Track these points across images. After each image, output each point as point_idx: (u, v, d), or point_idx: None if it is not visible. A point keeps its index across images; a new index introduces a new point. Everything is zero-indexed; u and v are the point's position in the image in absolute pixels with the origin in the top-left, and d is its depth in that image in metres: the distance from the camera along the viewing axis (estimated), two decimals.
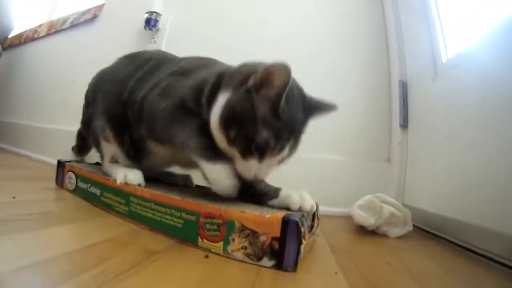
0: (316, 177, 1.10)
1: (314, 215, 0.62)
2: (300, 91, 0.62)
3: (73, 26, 1.78)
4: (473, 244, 0.73)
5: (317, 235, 0.68)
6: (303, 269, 0.49)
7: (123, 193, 0.65)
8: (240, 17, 1.35)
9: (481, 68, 0.81)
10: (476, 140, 0.79)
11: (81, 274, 0.37)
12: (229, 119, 0.57)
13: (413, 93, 1.13)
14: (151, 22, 1.41)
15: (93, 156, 1.06)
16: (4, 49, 2.01)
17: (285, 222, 0.46)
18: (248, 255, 0.48)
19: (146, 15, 1.41)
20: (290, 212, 0.48)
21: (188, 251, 0.52)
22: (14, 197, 0.70)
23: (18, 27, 2.13)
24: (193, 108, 0.64)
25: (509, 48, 0.71)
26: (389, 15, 1.24)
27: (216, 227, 0.51)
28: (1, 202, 0.68)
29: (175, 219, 0.55)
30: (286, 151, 0.59)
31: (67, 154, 1.15)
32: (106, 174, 0.77)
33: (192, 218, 0.53)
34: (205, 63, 0.75)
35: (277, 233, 0.47)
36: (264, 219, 0.48)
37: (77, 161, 0.99)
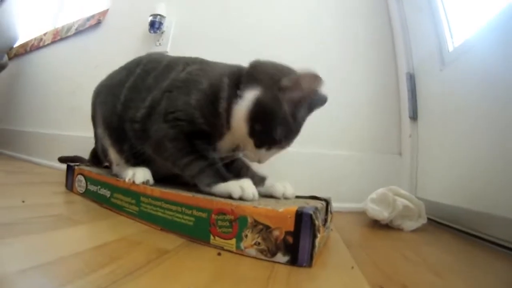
0: (327, 173, 1.09)
1: (327, 209, 0.61)
2: None
3: (78, 33, 1.79)
4: (488, 234, 0.72)
5: (331, 229, 0.67)
6: (318, 264, 0.48)
7: (133, 193, 0.65)
8: (245, 16, 1.34)
9: (490, 54, 0.79)
10: (488, 128, 0.77)
11: (91, 273, 0.36)
12: (258, 114, 0.62)
13: (421, 84, 1.12)
14: (155, 25, 1.41)
15: None
16: (10, 59, 2.03)
17: (299, 215, 0.45)
18: (261, 251, 0.47)
19: (150, 18, 1.41)
20: (303, 206, 0.47)
21: (200, 249, 0.51)
22: (23, 201, 0.70)
23: (23, 36, 2.15)
24: (202, 125, 0.66)
25: None
26: (393, 5, 1.23)
27: (228, 223, 0.50)
28: (11, 206, 0.68)
29: (186, 217, 0.54)
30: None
31: None
32: (116, 176, 0.77)
33: (204, 215, 0.52)
34: (198, 68, 0.74)
35: (290, 227, 0.45)
36: (277, 213, 0.47)
37: (86, 165, 0.99)
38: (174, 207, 0.56)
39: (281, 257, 0.46)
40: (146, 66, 0.81)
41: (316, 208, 0.48)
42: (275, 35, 1.25)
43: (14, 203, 0.69)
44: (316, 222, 0.45)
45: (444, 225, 0.89)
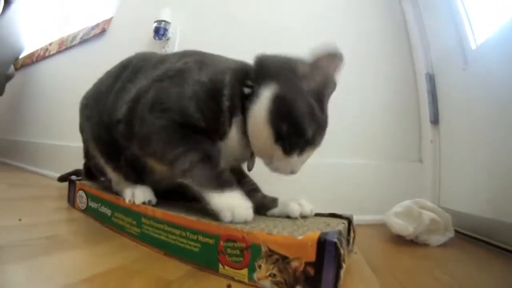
0: (343, 184, 1.02)
1: (349, 229, 0.55)
2: None
3: (83, 41, 1.77)
4: None
5: (355, 253, 0.60)
6: None
7: (134, 213, 0.59)
8: (251, 20, 1.28)
9: None
10: None
11: None
12: (282, 113, 0.53)
13: (442, 85, 1.05)
14: (160, 31, 1.37)
15: None
16: (17, 69, 2.02)
17: (321, 243, 0.39)
18: (277, 284, 0.41)
19: (155, 25, 1.37)
20: (325, 231, 0.41)
21: (207, 280, 0.45)
22: (20, 219, 0.66)
23: (29, 47, 2.15)
24: (197, 121, 0.56)
25: None
26: (406, 3, 1.16)
27: (238, 251, 0.43)
28: (6, 225, 0.64)
29: (192, 243, 0.48)
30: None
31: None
32: (117, 193, 0.71)
33: (211, 241, 0.46)
34: (196, 60, 0.63)
35: (312, 257, 0.39)
36: (295, 241, 0.40)
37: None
38: (177, 231, 0.50)
39: None
40: (135, 65, 0.72)
41: (340, 233, 0.41)
42: (282, 39, 1.18)
43: (10, 222, 0.65)
44: (342, 251, 0.39)
45: (471, 236, 0.84)
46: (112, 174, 0.72)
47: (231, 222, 0.49)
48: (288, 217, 0.59)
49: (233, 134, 0.58)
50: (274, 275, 0.41)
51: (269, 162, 0.58)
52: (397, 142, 1.09)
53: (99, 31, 1.69)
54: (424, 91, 1.07)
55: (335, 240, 0.38)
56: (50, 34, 2.08)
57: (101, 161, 0.73)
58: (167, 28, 1.38)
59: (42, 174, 1.64)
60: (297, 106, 0.53)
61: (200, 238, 0.47)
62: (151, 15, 1.40)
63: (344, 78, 1.05)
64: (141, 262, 0.50)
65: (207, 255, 0.47)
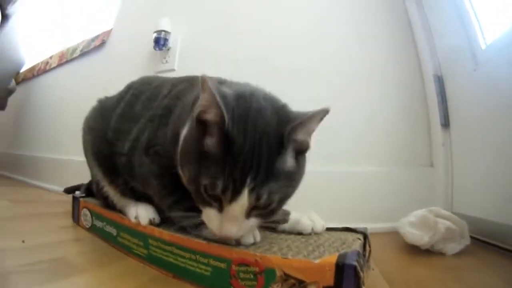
0: (353, 192, 1.00)
1: (365, 242, 0.52)
2: (271, 105, 0.47)
3: (83, 54, 1.76)
4: None
5: (373, 269, 0.58)
6: None
7: (140, 234, 0.57)
8: (251, 28, 1.26)
9: None
10: None
11: None
12: (182, 156, 0.48)
13: (451, 86, 1.03)
14: (160, 41, 1.35)
15: None
16: (18, 83, 2.02)
17: (340, 267, 0.36)
18: None
19: (155, 35, 1.36)
20: (343, 253, 0.38)
21: None
22: (23, 241, 0.64)
23: (30, 60, 2.14)
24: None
25: None
26: (411, 4, 1.14)
27: (252, 276, 0.41)
28: (9, 248, 0.62)
29: (202, 266, 0.46)
30: (245, 197, 0.41)
31: None
32: (120, 212, 0.69)
33: (222, 265, 0.44)
34: (183, 89, 0.64)
35: (330, 281, 0.37)
36: (312, 265, 0.38)
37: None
38: (187, 254, 0.48)
39: None
40: (136, 90, 0.74)
41: (359, 254, 0.39)
42: (282, 46, 1.17)
43: (14, 244, 0.63)
44: (361, 274, 0.36)
45: (486, 242, 0.82)
46: (107, 188, 0.72)
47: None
48: (300, 233, 0.58)
49: None
50: None
51: None
52: (408, 147, 1.07)
53: (99, 43, 1.67)
54: (433, 93, 1.05)
55: (355, 263, 0.36)
56: (50, 47, 2.07)
57: (99, 175, 0.73)
58: (167, 38, 1.36)
59: (45, 188, 1.62)
60: (190, 148, 0.48)
61: (211, 261, 0.45)
62: (150, 25, 1.38)
63: (351, 85, 1.04)
64: (151, 286, 0.48)
65: (219, 279, 0.45)
